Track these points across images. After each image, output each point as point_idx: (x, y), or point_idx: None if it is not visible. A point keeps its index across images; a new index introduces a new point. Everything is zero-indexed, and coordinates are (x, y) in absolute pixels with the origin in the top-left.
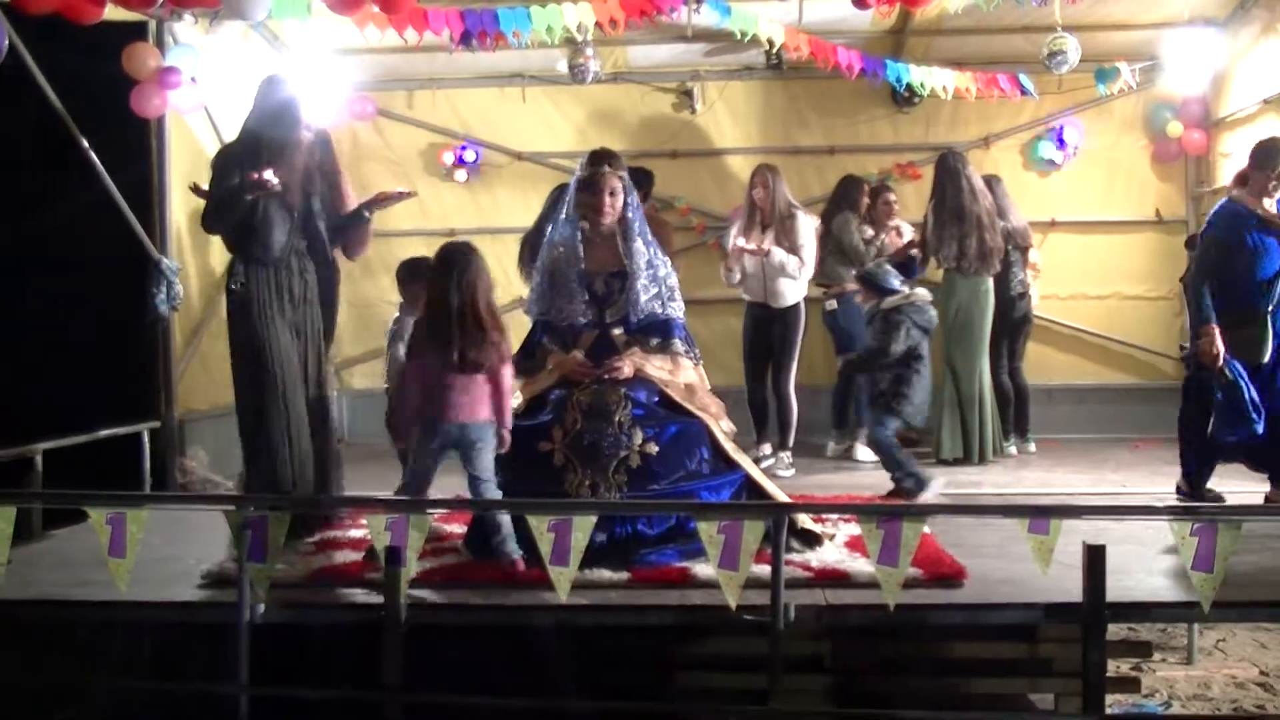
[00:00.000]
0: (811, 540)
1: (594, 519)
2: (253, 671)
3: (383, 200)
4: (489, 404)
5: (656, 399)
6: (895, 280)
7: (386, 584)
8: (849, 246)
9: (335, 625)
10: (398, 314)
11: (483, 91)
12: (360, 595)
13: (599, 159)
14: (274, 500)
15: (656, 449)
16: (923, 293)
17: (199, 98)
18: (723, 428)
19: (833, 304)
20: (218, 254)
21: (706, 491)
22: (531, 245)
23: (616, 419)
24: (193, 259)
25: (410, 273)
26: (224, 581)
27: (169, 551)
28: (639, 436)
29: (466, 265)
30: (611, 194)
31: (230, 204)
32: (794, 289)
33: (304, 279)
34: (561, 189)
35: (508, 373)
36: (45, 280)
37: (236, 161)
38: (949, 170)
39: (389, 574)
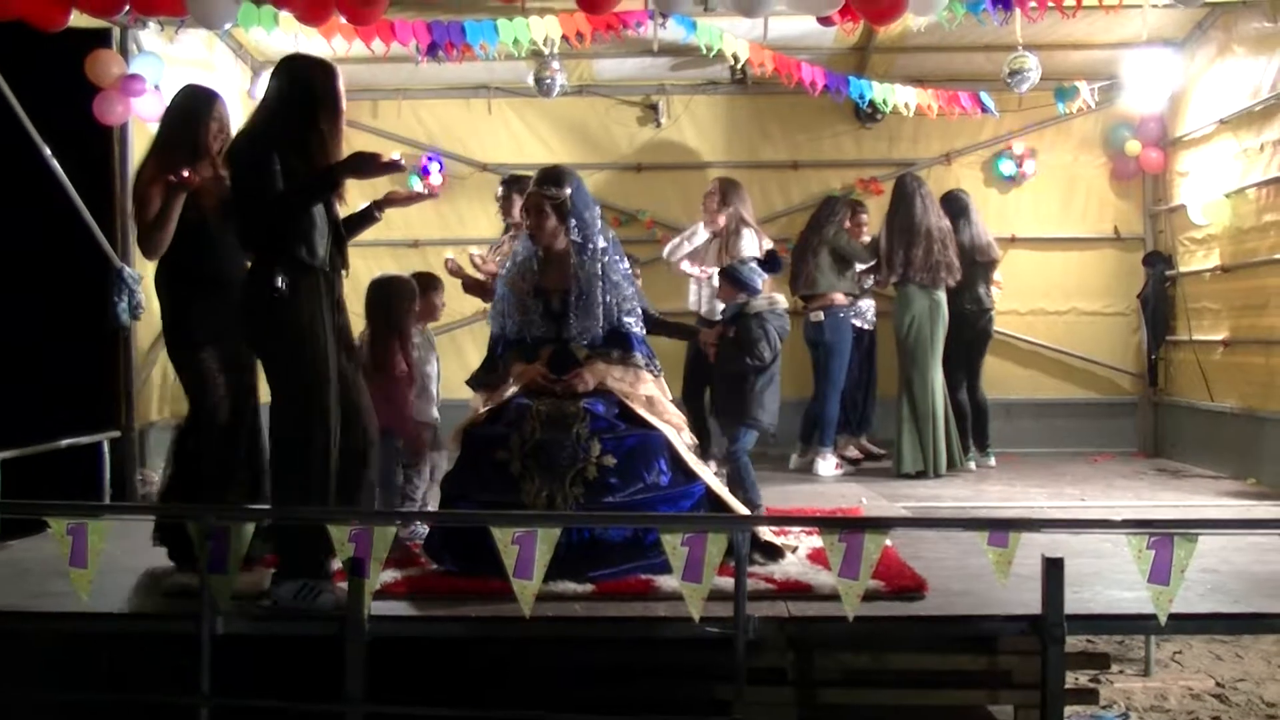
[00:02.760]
0: (773, 553)
1: (558, 531)
2: (215, 683)
3: (396, 200)
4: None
5: (616, 411)
6: (758, 280)
7: (349, 595)
8: (851, 250)
9: (298, 637)
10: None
11: (449, 103)
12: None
13: (539, 178)
14: (235, 512)
15: (614, 461)
16: (780, 299)
17: (162, 106)
18: (684, 439)
19: (819, 316)
20: None
21: (665, 505)
22: None
23: (575, 431)
24: (154, 268)
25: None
26: (186, 593)
27: (130, 562)
28: (596, 448)
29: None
30: (539, 214)
31: (310, 201)
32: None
33: (339, 284)
34: None
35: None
36: (5, 288)
37: (280, 152)
38: (905, 189)
39: (352, 585)
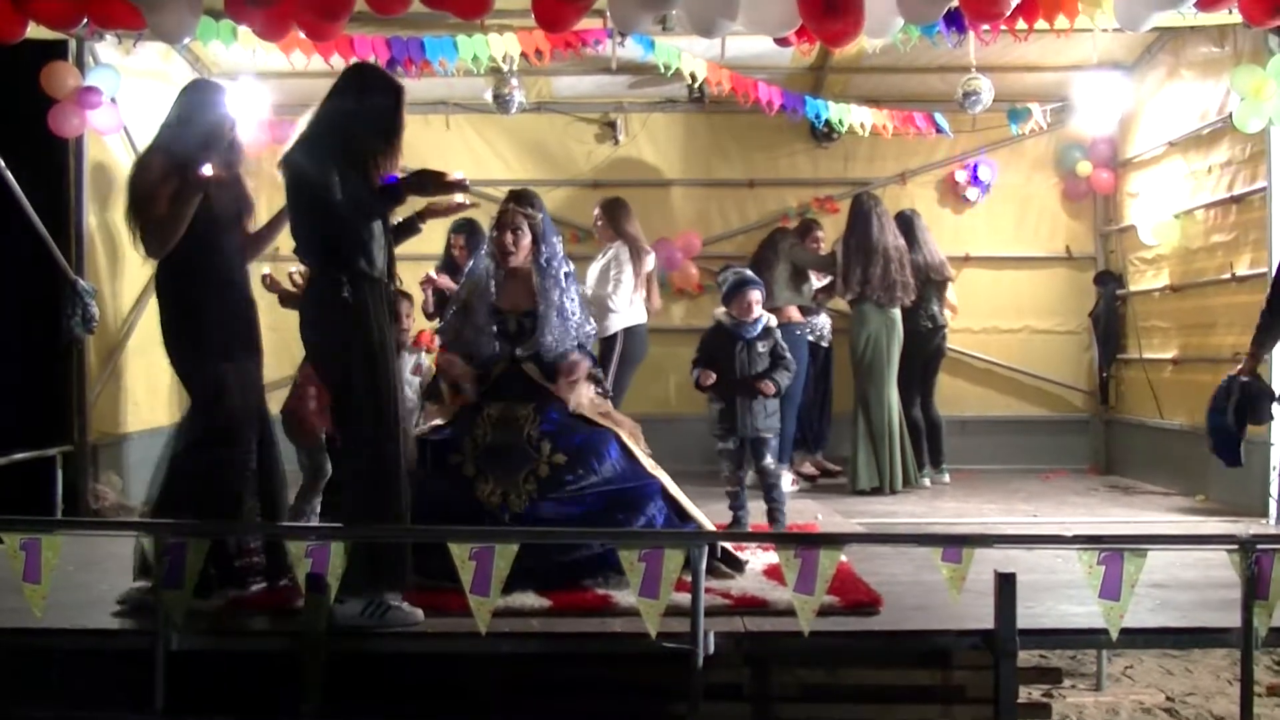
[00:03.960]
0: (736, 564)
1: (515, 548)
2: (169, 700)
3: (438, 211)
4: None
5: (568, 418)
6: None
7: (306, 611)
8: (809, 260)
9: (255, 654)
10: None
11: (407, 119)
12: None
13: (513, 197)
14: (191, 527)
15: (565, 458)
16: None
17: (118, 119)
18: (638, 444)
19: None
20: (133, 275)
21: (622, 497)
22: None
23: (525, 432)
24: (108, 281)
25: None
26: (140, 609)
27: (82, 578)
28: (547, 447)
29: None
30: (515, 231)
31: (376, 216)
32: (614, 319)
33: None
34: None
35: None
36: None
37: (339, 162)
38: (861, 210)
39: (310, 601)
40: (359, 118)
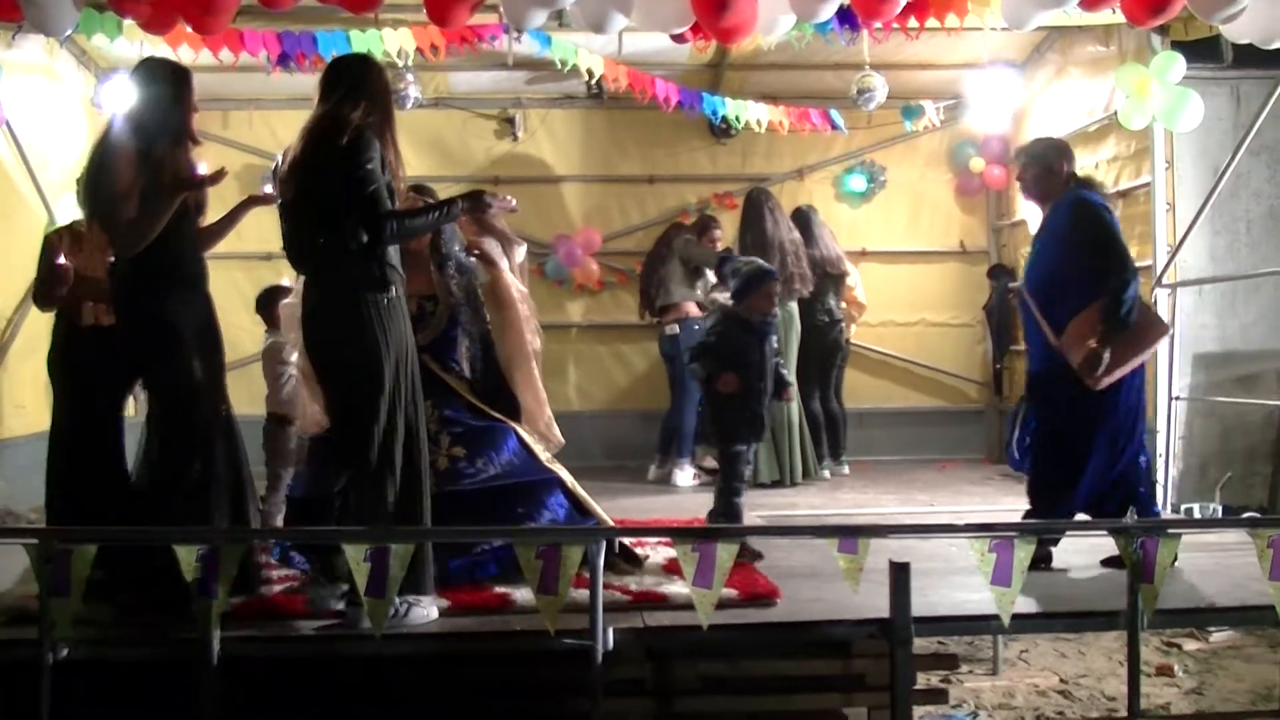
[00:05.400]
0: (635, 560)
1: (411, 548)
2: (55, 713)
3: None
4: None
5: (467, 413)
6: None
7: (198, 618)
8: (700, 256)
9: (145, 663)
10: (266, 337)
11: (301, 113)
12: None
13: (413, 189)
14: (78, 533)
15: (463, 451)
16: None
17: (1, 115)
18: (534, 439)
19: (674, 329)
20: (16, 275)
21: (523, 487)
22: None
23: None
24: None
25: (270, 299)
26: (24, 618)
27: None
28: (445, 441)
29: None
30: None
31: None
32: None
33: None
34: None
35: None
36: None
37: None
38: (754, 204)
39: (200, 606)
40: (385, 106)
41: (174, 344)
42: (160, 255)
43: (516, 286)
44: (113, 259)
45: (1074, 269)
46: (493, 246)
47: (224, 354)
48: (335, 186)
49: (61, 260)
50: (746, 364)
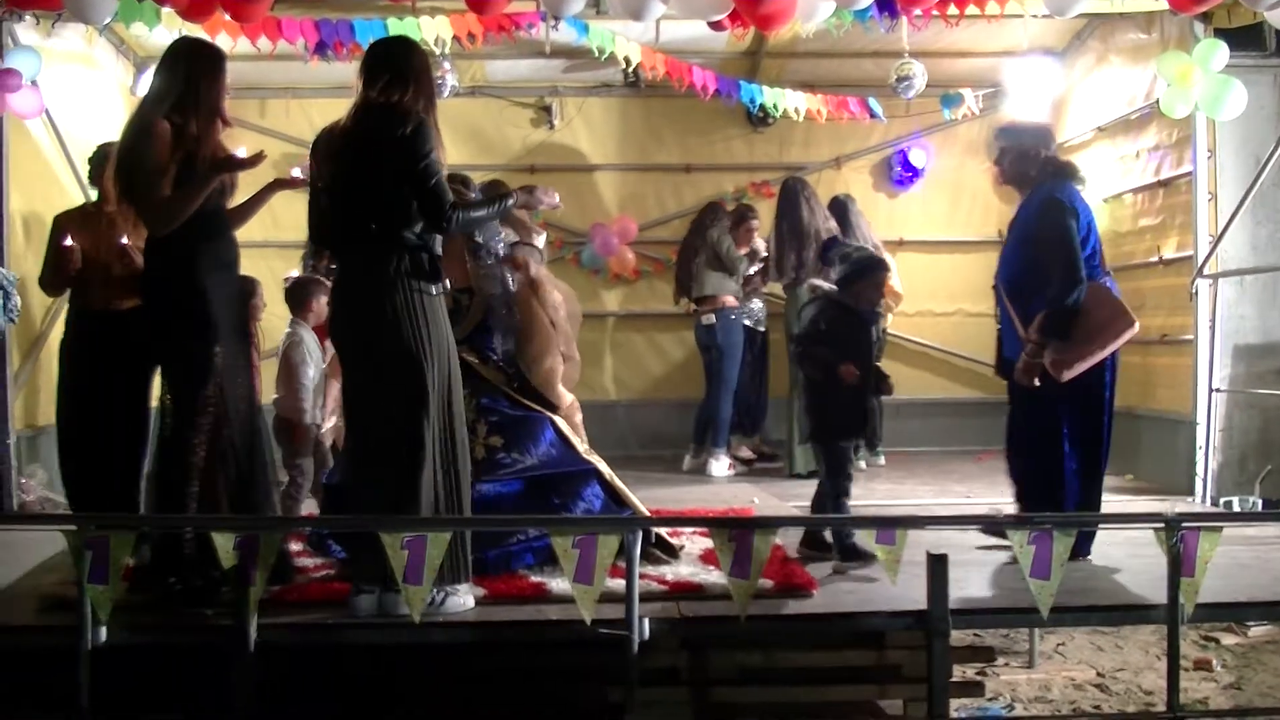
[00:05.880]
0: (671, 550)
1: (448, 536)
2: (95, 699)
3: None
4: None
5: (505, 402)
6: None
7: (235, 605)
8: (730, 257)
9: (183, 648)
10: (290, 329)
11: (338, 102)
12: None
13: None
14: (117, 519)
15: (501, 440)
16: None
17: (40, 103)
18: (576, 432)
19: (711, 319)
20: None
21: (561, 479)
22: None
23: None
24: (33, 269)
25: (304, 290)
26: (60, 605)
27: (3, 574)
28: (483, 430)
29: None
30: None
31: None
32: None
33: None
34: None
35: None
36: None
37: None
38: (790, 193)
39: (237, 594)
40: (427, 90)
41: (205, 326)
42: (195, 235)
43: (556, 293)
44: (146, 238)
45: (1038, 265)
46: (525, 251)
47: (252, 340)
48: (391, 174)
49: (69, 242)
50: (858, 353)
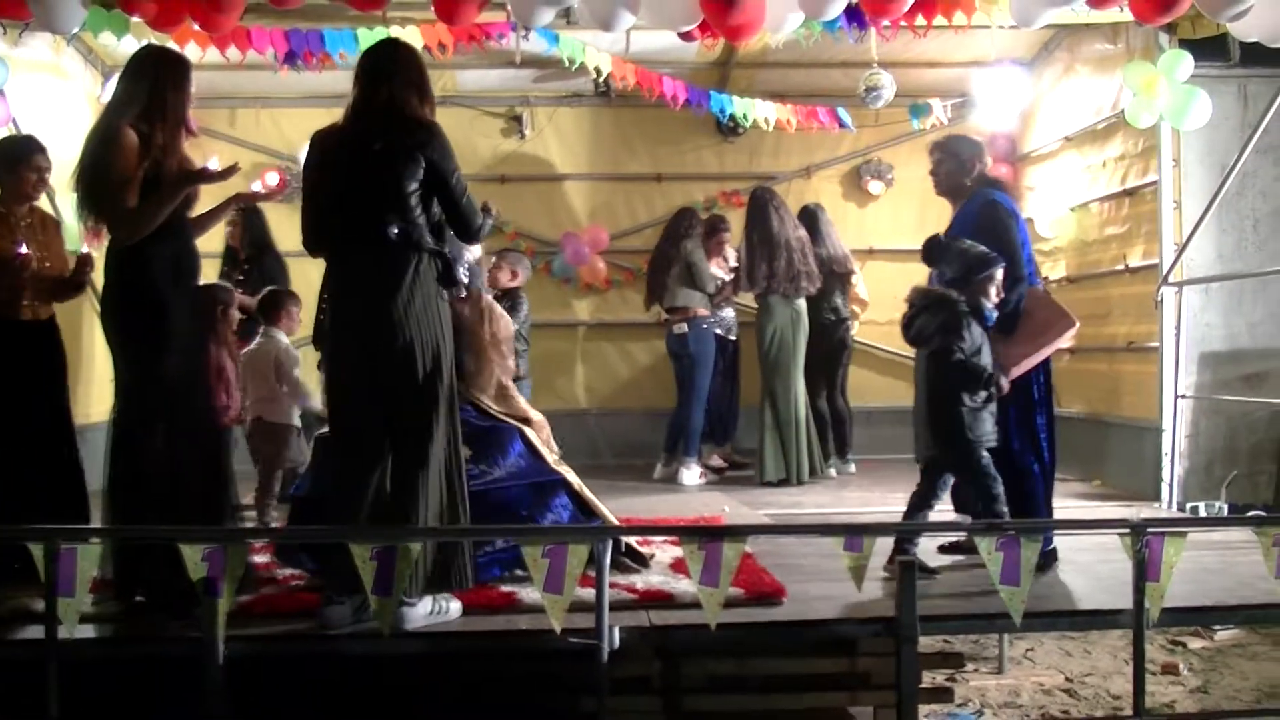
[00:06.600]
0: (641, 559)
1: (417, 547)
2: (65, 710)
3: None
4: None
5: (473, 413)
6: None
7: (203, 617)
8: (701, 269)
9: (152, 660)
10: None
11: (308, 111)
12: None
13: None
14: (83, 531)
15: (469, 452)
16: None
17: (7, 112)
18: (539, 437)
19: (683, 328)
20: None
21: (531, 489)
22: None
23: None
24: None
25: (277, 300)
26: (28, 616)
27: None
28: None
29: None
30: None
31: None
32: None
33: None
34: None
35: None
36: None
37: None
38: (758, 203)
39: (206, 606)
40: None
41: (161, 335)
42: (160, 245)
43: (487, 301)
44: (107, 246)
45: None
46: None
47: (227, 350)
48: (410, 180)
49: (24, 249)
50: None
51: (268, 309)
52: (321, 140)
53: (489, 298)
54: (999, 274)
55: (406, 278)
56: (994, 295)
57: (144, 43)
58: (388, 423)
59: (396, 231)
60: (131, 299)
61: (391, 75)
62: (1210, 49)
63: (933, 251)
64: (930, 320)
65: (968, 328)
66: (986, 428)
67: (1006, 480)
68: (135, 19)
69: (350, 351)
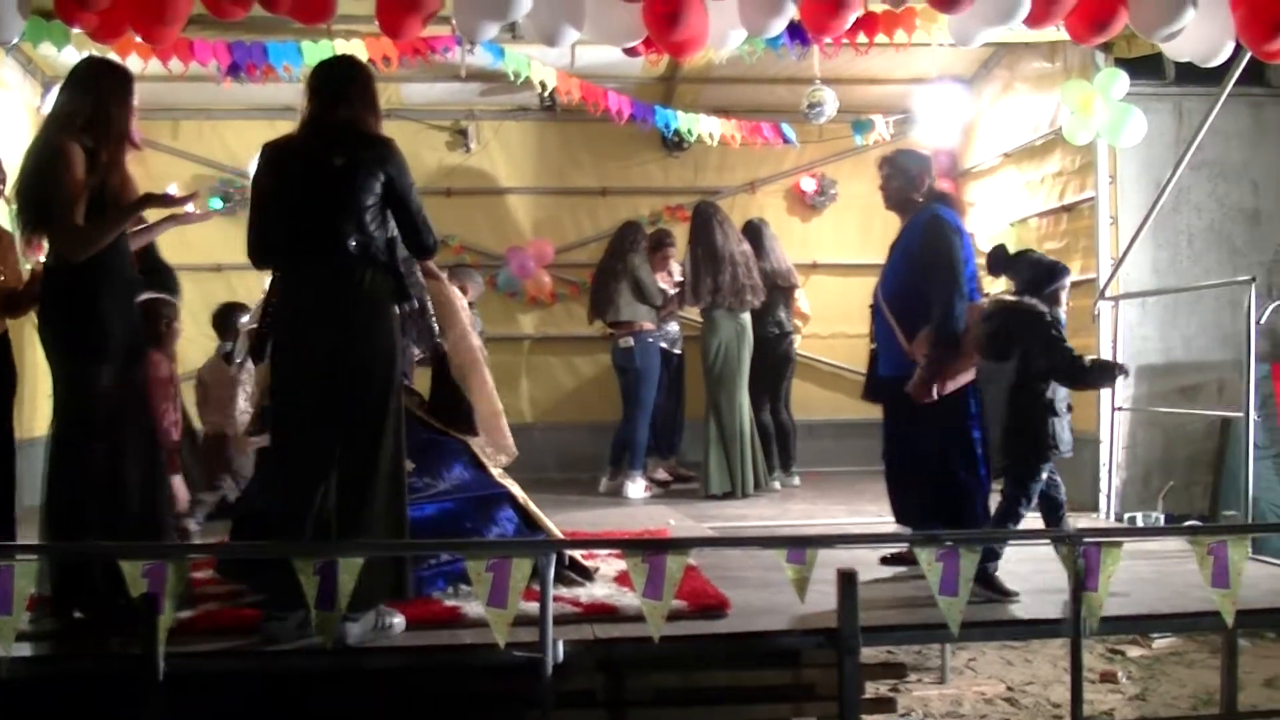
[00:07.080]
0: (585, 573)
1: (360, 562)
2: None
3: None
4: None
5: (416, 426)
6: None
7: (142, 634)
8: (648, 283)
9: (91, 676)
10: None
11: (253, 124)
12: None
13: None
14: (23, 548)
15: (412, 465)
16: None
17: None
18: (486, 451)
19: (629, 341)
20: None
21: (477, 502)
22: None
23: None
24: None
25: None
26: None
27: None
28: None
29: None
30: None
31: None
32: None
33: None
34: None
35: None
36: None
37: None
38: (702, 218)
39: (146, 622)
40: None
41: (97, 348)
42: (101, 260)
43: (455, 293)
44: (45, 261)
45: (922, 283)
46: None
47: (147, 365)
48: (366, 194)
49: None
50: None
51: (221, 323)
52: (274, 152)
53: (450, 291)
54: (1068, 284)
55: (361, 290)
56: (1065, 305)
57: (85, 54)
58: (335, 434)
59: (354, 244)
60: (71, 312)
61: (349, 95)
62: (1146, 67)
63: (1000, 261)
64: (1023, 332)
65: (1061, 336)
66: (1065, 436)
67: (942, 493)
68: (76, 30)
69: (301, 362)
